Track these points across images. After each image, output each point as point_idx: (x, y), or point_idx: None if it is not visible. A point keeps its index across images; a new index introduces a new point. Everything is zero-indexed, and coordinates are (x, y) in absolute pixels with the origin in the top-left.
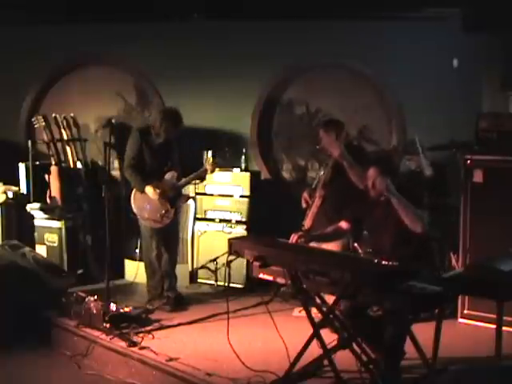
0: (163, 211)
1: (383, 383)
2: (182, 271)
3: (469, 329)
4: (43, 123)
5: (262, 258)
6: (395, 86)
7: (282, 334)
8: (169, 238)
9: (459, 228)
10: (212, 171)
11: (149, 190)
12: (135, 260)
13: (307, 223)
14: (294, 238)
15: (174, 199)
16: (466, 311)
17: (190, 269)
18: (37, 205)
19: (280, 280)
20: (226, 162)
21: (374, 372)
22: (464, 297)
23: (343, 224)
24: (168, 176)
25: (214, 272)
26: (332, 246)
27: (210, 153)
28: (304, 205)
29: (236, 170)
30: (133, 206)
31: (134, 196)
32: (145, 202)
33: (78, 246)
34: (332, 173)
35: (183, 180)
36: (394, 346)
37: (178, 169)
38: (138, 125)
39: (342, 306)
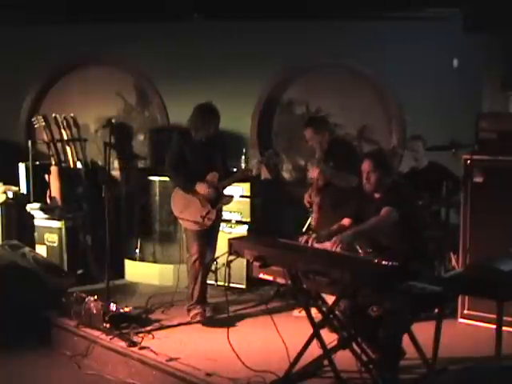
0: (204, 212)
1: (383, 383)
2: (181, 271)
3: (469, 329)
4: (43, 123)
5: (262, 258)
6: (395, 86)
7: (282, 334)
8: (207, 243)
9: (459, 228)
10: (252, 171)
11: (199, 186)
12: (135, 260)
13: (314, 228)
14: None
15: (215, 200)
16: (465, 311)
17: None
18: (37, 205)
19: (280, 280)
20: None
21: (374, 372)
22: (464, 297)
23: (346, 221)
24: (209, 177)
25: (214, 272)
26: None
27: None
28: (308, 205)
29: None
30: (173, 207)
31: (175, 197)
32: (185, 203)
33: (77, 245)
34: (324, 178)
35: (225, 181)
36: (390, 345)
37: (221, 169)
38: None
39: (342, 306)
